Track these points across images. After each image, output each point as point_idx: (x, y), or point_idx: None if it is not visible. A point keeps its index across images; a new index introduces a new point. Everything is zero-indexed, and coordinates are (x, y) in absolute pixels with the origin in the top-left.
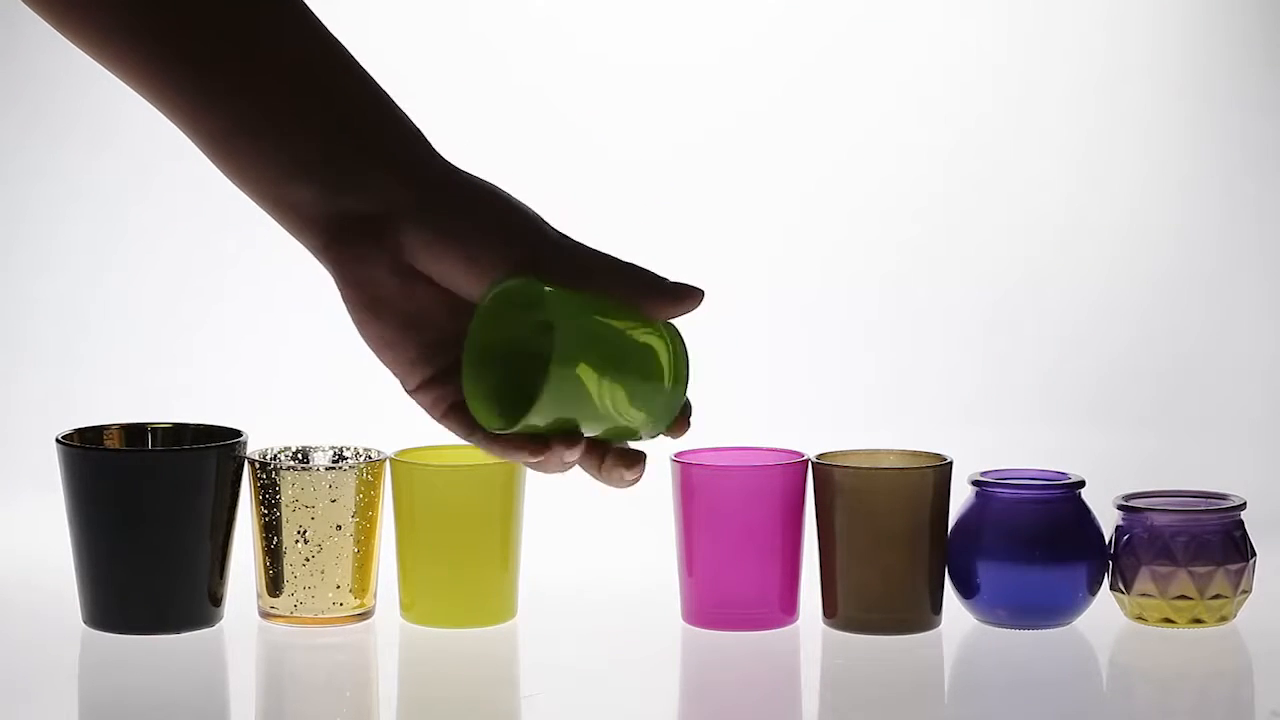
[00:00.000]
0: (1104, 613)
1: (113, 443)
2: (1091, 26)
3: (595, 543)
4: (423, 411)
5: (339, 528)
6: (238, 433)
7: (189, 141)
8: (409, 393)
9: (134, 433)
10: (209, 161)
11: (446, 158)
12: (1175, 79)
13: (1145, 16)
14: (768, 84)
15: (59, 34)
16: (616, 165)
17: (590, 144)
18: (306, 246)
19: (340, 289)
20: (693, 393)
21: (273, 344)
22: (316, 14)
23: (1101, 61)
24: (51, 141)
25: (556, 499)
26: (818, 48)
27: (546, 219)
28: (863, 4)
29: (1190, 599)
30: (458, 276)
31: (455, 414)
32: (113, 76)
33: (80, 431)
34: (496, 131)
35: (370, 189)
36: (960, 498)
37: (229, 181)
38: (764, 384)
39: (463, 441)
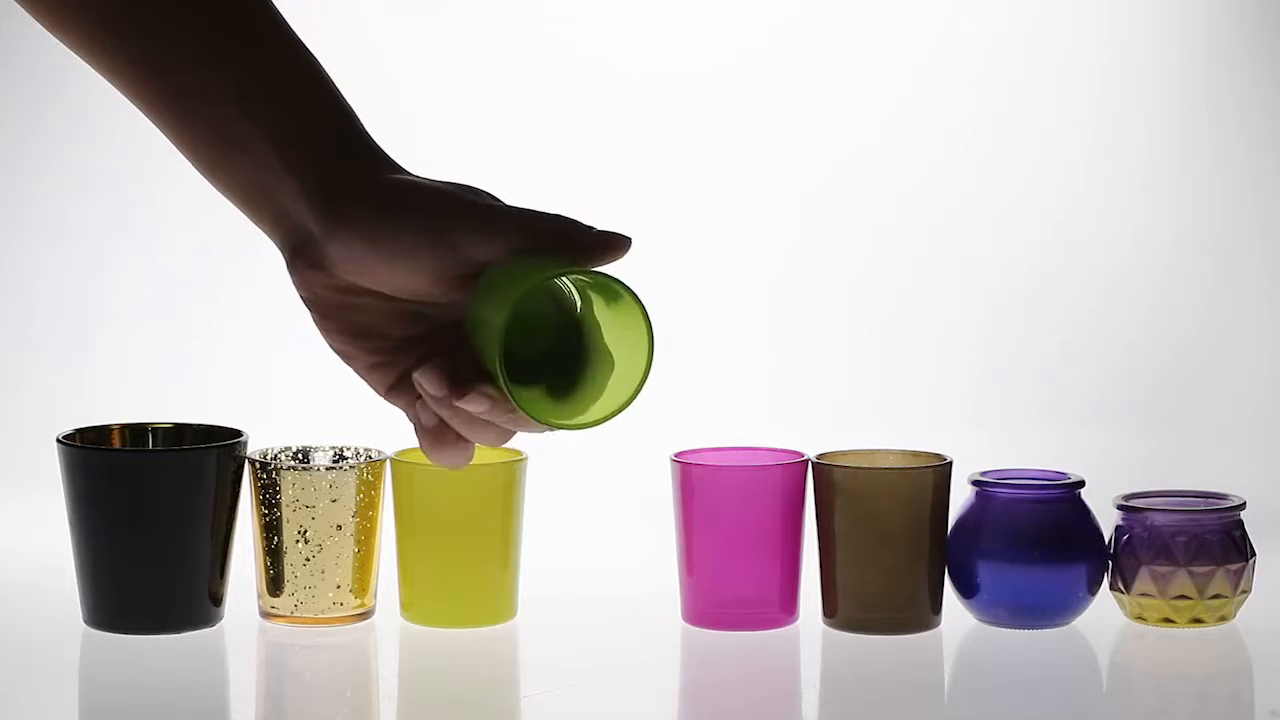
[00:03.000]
0: (1104, 613)
1: (114, 443)
2: (1092, 28)
3: (595, 543)
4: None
5: (339, 528)
6: (238, 433)
7: None
8: (383, 397)
9: (135, 433)
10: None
11: (375, 148)
12: (1175, 79)
13: (1146, 16)
14: (768, 85)
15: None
16: (616, 167)
17: (589, 146)
18: None
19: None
20: (694, 392)
21: (273, 344)
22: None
23: (1101, 63)
24: (53, 141)
25: (556, 499)
26: (818, 49)
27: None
28: (863, 5)
29: (1190, 599)
30: (383, 282)
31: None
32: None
33: (81, 431)
34: (497, 136)
35: (293, 217)
36: (960, 498)
37: None
38: (764, 384)
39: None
